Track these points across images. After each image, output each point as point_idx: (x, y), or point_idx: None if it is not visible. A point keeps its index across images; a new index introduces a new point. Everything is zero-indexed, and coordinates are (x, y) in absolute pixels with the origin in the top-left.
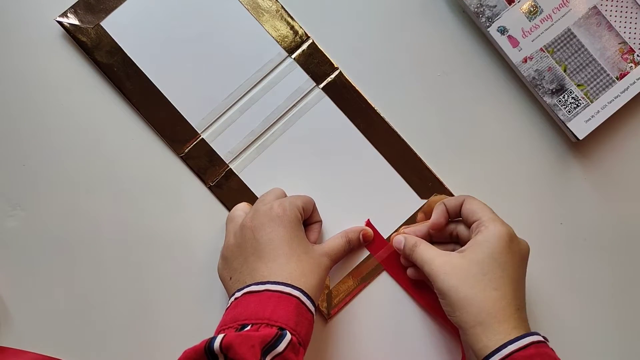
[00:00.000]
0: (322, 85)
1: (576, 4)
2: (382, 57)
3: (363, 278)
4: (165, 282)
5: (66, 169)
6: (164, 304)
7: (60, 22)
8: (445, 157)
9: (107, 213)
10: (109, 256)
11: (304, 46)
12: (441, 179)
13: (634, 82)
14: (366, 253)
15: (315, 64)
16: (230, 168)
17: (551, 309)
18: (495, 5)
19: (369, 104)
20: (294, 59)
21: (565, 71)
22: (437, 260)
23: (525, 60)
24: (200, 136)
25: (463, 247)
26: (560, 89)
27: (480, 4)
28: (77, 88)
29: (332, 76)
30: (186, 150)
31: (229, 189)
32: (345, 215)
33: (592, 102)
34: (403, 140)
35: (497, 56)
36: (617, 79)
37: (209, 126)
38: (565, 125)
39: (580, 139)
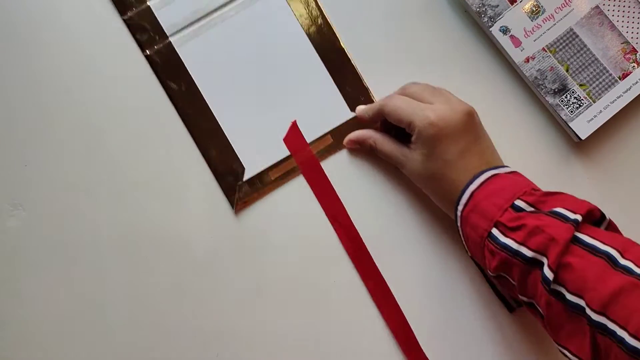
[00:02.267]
0: None
1: (578, 3)
2: (383, 58)
3: (278, 177)
4: (166, 282)
5: (68, 169)
6: (165, 303)
7: None
8: None
9: (108, 213)
10: (110, 256)
11: None
12: (373, 95)
13: (637, 82)
14: (286, 152)
15: None
16: (170, 41)
17: None
18: (497, 5)
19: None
20: None
21: (567, 71)
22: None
23: (527, 60)
24: (146, 2)
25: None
26: (563, 89)
27: (482, 3)
28: (79, 88)
29: None
30: (130, 14)
31: (165, 61)
32: (273, 113)
33: (594, 102)
34: (347, 55)
35: (499, 56)
36: (620, 79)
37: None
38: (568, 125)
39: (583, 139)
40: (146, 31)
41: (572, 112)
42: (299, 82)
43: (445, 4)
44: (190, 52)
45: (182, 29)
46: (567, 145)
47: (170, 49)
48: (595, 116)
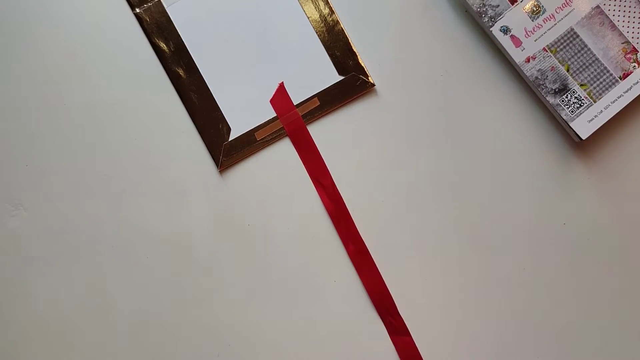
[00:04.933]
0: None
1: (579, 3)
2: (384, 57)
3: (264, 138)
4: (167, 281)
5: (68, 169)
6: (166, 304)
7: None
8: (448, 157)
9: (108, 212)
10: (111, 255)
11: None
12: (366, 69)
13: (637, 82)
14: (272, 114)
15: None
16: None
17: (555, 309)
18: (498, 5)
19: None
20: None
21: (568, 71)
22: None
23: (528, 60)
24: None
25: None
26: (563, 89)
27: (483, 3)
28: (79, 87)
29: None
30: None
31: (153, 20)
32: (260, 74)
33: (595, 101)
34: (337, 20)
35: (500, 56)
36: (620, 79)
37: None
38: (568, 125)
39: (583, 138)
40: None
41: (572, 112)
42: (287, 44)
43: (445, 4)
44: (180, 11)
45: None
46: (567, 145)
47: (160, 8)
48: (595, 116)
